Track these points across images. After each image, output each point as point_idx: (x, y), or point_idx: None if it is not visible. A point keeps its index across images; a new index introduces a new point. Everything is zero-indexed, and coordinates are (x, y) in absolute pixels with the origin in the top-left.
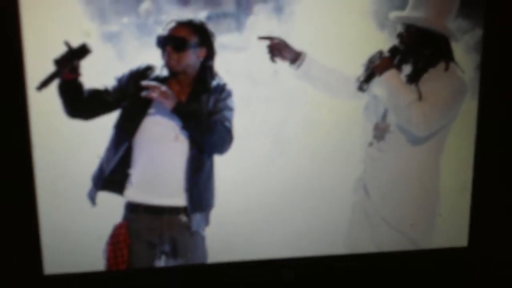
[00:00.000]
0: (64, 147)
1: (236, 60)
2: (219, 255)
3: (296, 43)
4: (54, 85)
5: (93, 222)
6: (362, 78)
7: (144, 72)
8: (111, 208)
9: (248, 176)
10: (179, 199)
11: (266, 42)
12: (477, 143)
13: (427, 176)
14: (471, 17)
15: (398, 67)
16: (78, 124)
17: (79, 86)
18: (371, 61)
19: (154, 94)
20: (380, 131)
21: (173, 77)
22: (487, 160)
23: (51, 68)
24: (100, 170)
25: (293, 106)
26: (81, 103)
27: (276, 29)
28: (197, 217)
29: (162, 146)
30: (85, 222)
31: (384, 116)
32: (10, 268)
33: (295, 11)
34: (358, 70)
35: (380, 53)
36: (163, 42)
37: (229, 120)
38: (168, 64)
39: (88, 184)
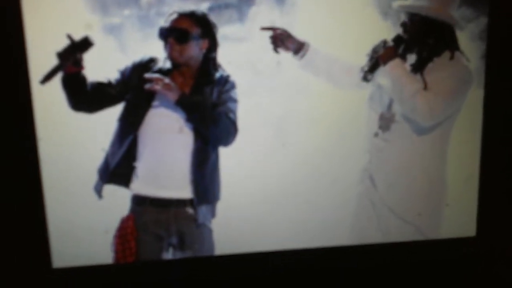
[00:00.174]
0: (69, 141)
1: (239, 51)
2: (226, 247)
3: (299, 34)
4: (58, 79)
5: (100, 215)
6: (366, 68)
7: (147, 65)
8: (118, 201)
9: (253, 168)
10: (185, 192)
11: (269, 33)
12: (484, 132)
13: (434, 166)
14: (476, 5)
15: (403, 57)
16: (83, 118)
17: (82, 79)
18: (375, 50)
19: (158, 87)
20: (385, 121)
21: (176, 69)
22: (494, 149)
23: (54, 62)
24: (106, 163)
25: (297, 97)
26: (84, 96)
27: (279, 19)
28: (203, 210)
29: (167, 138)
30: (92, 216)
31: (389, 106)
32: (19, 262)
33: (298, 1)
34: (362, 60)
35: (384, 42)
36: (165, 34)
37: (233, 111)
38: (170, 56)
39: (94, 177)
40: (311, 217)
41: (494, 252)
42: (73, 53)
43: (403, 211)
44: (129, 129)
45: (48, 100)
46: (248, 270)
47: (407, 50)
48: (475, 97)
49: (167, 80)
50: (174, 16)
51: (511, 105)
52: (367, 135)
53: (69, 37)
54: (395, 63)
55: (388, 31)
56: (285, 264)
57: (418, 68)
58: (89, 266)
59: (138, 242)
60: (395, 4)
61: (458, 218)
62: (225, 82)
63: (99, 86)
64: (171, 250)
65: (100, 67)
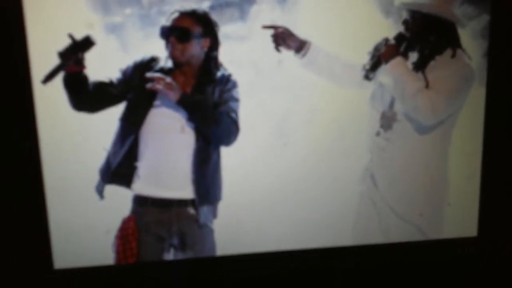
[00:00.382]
0: (71, 141)
1: (240, 50)
2: (227, 247)
3: (300, 32)
4: (59, 78)
5: (101, 216)
6: (368, 67)
7: (149, 64)
8: (119, 201)
9: (254, 167)
10: (186, 192)
11: (270, 31)
12: (486, 131)
13: (435, 165)
14: (477, 3)
15: (405, 55)
16: (84, 117)
17: (84, 78)
18: (376, 49)
19: (159, 86)
20: (387, 120)
21: (177, 68)
22: (496, 148)
23: (55, 61)
24: (107, 163)
25: (298, 96)
26: (86, 96)
27: (280, 18)
28: (204, 210)
29: (169, 138)
30: (93, 216)
31: (391, 105)
32: (20, 262)
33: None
34: (363, 58)
35: (386, 40)
36: (167, 33)
37: (235, 111)
38: (172, 55)
39: (95, 177)
40: (313, 217)
41: (496, 252)
42: (75, 53)
43: (404, 210)
44: (130, 128)
45: (50, 100)
46: (249, 270)
47: (409, 48)
48: (477, 95)
49: (168, 79)
50: (176, 15)
51: None
52: (368, 134)
53: (71, 36)
54: (396, 61)
55: (390, 29)
56: (286, 264)
57: (420, 66)
58: (91, 267)
59: (140, 243)
60: (397, 2)
61: (460, 218)
62: (227, 81)
63: (101, 86)
64: (172, 250)
65: (102, 66)
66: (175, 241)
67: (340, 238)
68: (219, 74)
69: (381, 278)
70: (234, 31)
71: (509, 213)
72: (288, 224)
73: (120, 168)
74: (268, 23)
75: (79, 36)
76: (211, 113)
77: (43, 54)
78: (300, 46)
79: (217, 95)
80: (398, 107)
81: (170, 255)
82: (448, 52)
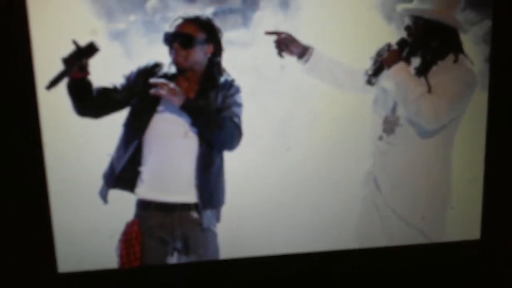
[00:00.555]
0: (75, 146)
1: (243, 56)
2: (231, 251)
3: (303, 38)
4: (63, 84)
5: (105, 220)
6: (370, 72)
7: (152, 70)
8: (123, 206)
9: (257, 171)
10: (190, 196)
11: (273, 37)
12: (488, 135)
13: (438, 169)
14: (479, 8)
15: (407, 60)
16: (88, 123)
17: (88, 84)
18: (379, 54)
19: (163, 92)
20: (389, 124)
21: (181, 74)
22: (498, 152)
23: (59, 67)
24: (111, 168)
25: (301, 101)
26: (90, 101)
27: (283, 24)
28: (208, 214)
29: (172, 143)
30: (97, 220)
31: (393, 109)
32: (24, 266)
33: (302, 6)
34: (366, 63)
35: (388, 46)
36: (170, 39)
37: (238, 116)
38: (175, 61)
39: (99, 182)
40: (315, 221)
41: (499, 255)
42: (79, 59)
43: (407, 214)
44: (134, 134)
45: (54, 106)
46: (252, 274)
47: (411, 54)
48: (479, 100)
49: (172, 85)
50: (179, 21)
51: None
52: (371, 138)
53: (75, 43)
54: (399, 66)
55: (392, 34)
56: (289, 267)
57: (422, 71)
58: (94, 271)
59: (143, 247)
60: (399, 8)
61: (463, 221)
62: (230, 87)
63: (105, 92)
64: (176, 254)
65: (106, 72)
66: (179, 245)
67: (343, 241)
68: (222, 79)
69: (384, 282)
70: (237, 37)
71: None
72: (291, 228)
73: (123, 172)
74: (271, 29)
75: (83, 42)
76: (214, 118)
77: (47, 60)
78: (302, 52)
79: (220, 100)
80: (401, 112)
81: (173, 259)
82: (450, 57)
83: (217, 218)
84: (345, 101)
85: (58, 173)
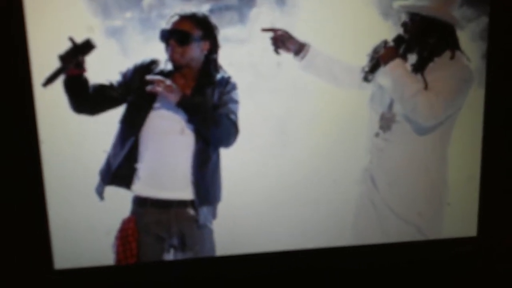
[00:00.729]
0: (71, 143)
1: (240, 53)
2: (227, 248)
3: (299, 35)
4: (60, 81)
5: (101, 217)
6: (367, 69)
7: (149, 67)
8: (119, 202)
9: (254, 168)
10: (186, 193)
11: (270, 34)
12: (485, 131)
13: (435, 166)
14: (476, 5)
15: (403, 57)
16: (85, 120)
17: (84, 81)
18: (375, 51)
19: (159, 88)
20: (386, 121)
21: (177, 71)
22: (495, 149)
23: (56, 64)
24: (107, 165)
25: (297, 98)
26: (86, 98)
27: (279, 20)
28: (204, 211)
29: (168, 139)
30: (93, 217)
31: (390, 106)
32: (21, 263)
33: (298, 2)
34: (362, 60)
35: (385, 42)
36: (167, 36)
37: (234, 113)
38: (172, 58)
39: (95, 179)
40: (312, 218)
41: (495, 252)
42: (75, 56)
43: (404, 211)
44: (130, 130)
45: (50, 103)
46: (249, 271)
47: (408, 50)
48: (476, 96)
49: (168, 82)
50: (175, 18)
51: None
52: (368, 135)
53: (71, 40)
54: (395, 63)
55: (388, 31)
56: (285, 264)
57: (418, 68)
58: (91, 267)
59: (139, 243)
60: (396, 4)
61: (459, 218)
62: (226, 84)
63: (101, 88)
64: (172, 251)
65: (102, 69)
66: (175, 241)
67: (340, 238)
68: (218, 76)
69: (381, 278)
70: (233, 34)
71: (509, 213)
72: (288, 225)
73: (120, 169)
74: (267, 26)
75: (79, 39)
76: (211, 115)
77: (44, 57)
78: (299, 49)
79: (217, 97)
80: (397, 109)
81: (170, 256)
82: (447, 54)
83: (214, 215)
84: (341, 98)
85: (54, 169)
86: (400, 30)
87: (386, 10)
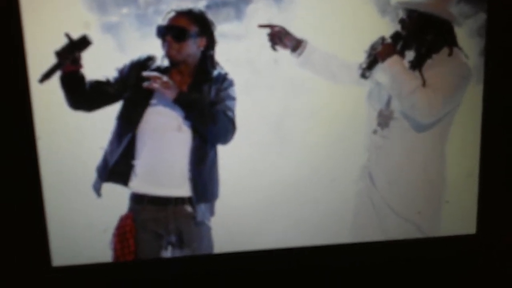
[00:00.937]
0: (68, 139)
1: (237, 49)
2: (224, 245)
3: (296, 31)
4: (56, 78)
5: (99, 214)
6: (364, 65)
7: (145, 63)
8: (117, 199)
9: (251, 165)
10: (183, 190)
11: (267, 30)
12: (483, 128)
13: (433, 163)
14: (474, 1)
15: (401, 53)
16: (81, 116)
17: (80, 78)
18: (373, 47)
19: (156, 85)
20: (384, 118)
21: (174, 67)
22: (494, 146)
23: (52, 61)
24: (104, 161)
25: (295, 95)
26: (83, 95)
27: (276, 16)
28: (202, 208)
29: (165, 136)
30: (91, 214)
31: (388, 103)
32: (18, 260)
33: None
34: (360, 56)
35: (382, 39)
36: (163, 32)
37: (232, 109)
38: (168, 54)
39: (93, 176)
40: (310, 215)
41: (495, 250)
42: (72, 52)
43: (403, 208)
44: (127, 127)
45: (47, 99)
46: (247, 268)
47: (406, 47)
48: (474, 93)
49: (165, 78)
50: (172, 14)
51: (510, 100)
52: (365, 132)
53: (68, 36)
54: (393, 60)
55: (386, 27)
56: (284, 262)
57: (416, 64)
58: (89, 265)
59: (137, 241)
60: (394, 1)
61: (458, 216)
62: (223, 80)
63: (98, 85)
64: (170, 248)
65: (99, 65)
66: (173, 238)
67: (338, 236)
68: (215, 73)
69: (379, 276)
70: (230, 30)
71: (508, 210)
72: (286, 222)
73: (117, 166)
74: (265, 22)
75: (75, 35)
76: (208, 111)
77: (40, 53)
78: (296, 45)
79: (214, 94)
80: (395, 105)
81: (167, 253)
82: (445, 50)
83: (211, 212)
84: (339, 94)
85: (51, 166)
86: (397, 27)
87: (384, 7)
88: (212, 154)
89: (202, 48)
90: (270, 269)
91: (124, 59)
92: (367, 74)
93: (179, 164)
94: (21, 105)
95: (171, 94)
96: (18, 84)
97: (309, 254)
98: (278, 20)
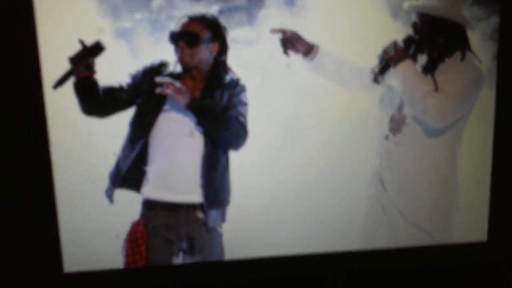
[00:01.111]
0: (81, 145)
1: (249, 54)
2: (236, 251)
3: (308, 36)
4: (70, 84)
5: (111, 220)
6: (376, 70)
7: (158, 69)
8: (129, 205)
9: (263, 171)
10: (195, 196)
11: (279, 35)
12: (495, 134)
13: (445, 169)
14: (487, 4)
15: (413, 58)
16: (95, 122)
17: (94, 83)
18: (385, 52)
19: (168, 91)
20: (396, 123)
21: (186, 72)
22: (506, 152)
23: (66, 66)
24: (117, 167)
25: (307, 99)
26: (96, 100)
27: (288, 21)
28: (213, 214)
29: (178, 142)
30: (103, 220)
31: (400, 108)
32: (31, 266)
33: (307, 3)
34: (372, 61)
35: (395, 43)
36: (176, 38)
37: (244, 115)
38: (181, 60)
39: (105, 182)
40: (321, 221)
41: (505, 257)
42: (85, 58)
43: (414, 214)
44: (140, 133)
45: (61, 105)
46: (257, 274)
47: (418, 51)
48: (486, 98)
49: (177, 83)
50: (185, 19)
51: None
52: (377, 137)
53: (81, 42)
54: (405, 64)
55: (398, 32)
56: (295, 268)
57: (429, 69)
58: (100, 271)
59: (148, 247)
60: (406, 5)
61: (469, 223)
62: (235, 85)
63: (111, 91)
64: (181, 254)
65: (112, 71)
66: (184, 245)
67: (349, 242)
68: (227, 78)
69: (390, 283)
70: (242, 35)
71: None
72: (297, 228)
73: (129, 172)
74: (276, 27)
75: (89, 41)
76: (220, 117)
77: (54, 59)
78: (308, 50)
79: (226, 99)
80: (407, 110)
81: (178, 259)
82: (457, 54)
83: (223, 218)
84: (351, 99)
85: (64, 172)
86: (410, 31)
87: (396, 11)
88: (224, 160)
89: (214, 54)
90: (281, 275)
91: (137, 65)
92: (379, 78)
93: (191, 170)
94: (35, 111)
95: (183, 99)
96: (32, 89)
97: (319, 260)
98: (290, 25)
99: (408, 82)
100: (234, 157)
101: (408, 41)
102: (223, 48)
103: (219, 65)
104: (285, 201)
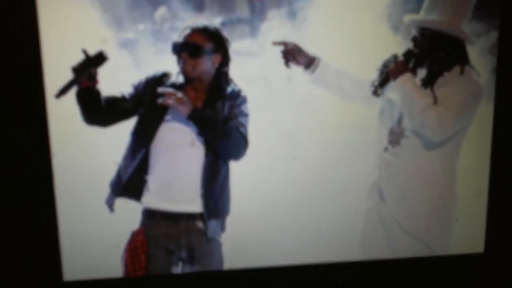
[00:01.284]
0: (83, 154)
1: (251, 66)
2: (235, 261)
3: (310, 48)
4: (72, 93)
5: (111, 229)
6: (376, 83)
7: (160, 79)
8: (129, 214)
9: (263, 181)
10: (195, 206)
11: (280, 48)
12: (493, 147)
13: (443, 181)
14: (486, 20)
15: (413, 71)
16: (96, 131)
17: (96, 93)
18: (385, 65)
19: (170, 101)
20: (395, 136)
21: (188, 83)
22: (504, 164)
23: (69, 76)
24: (118, 176)
25: (307, 111)
26: (98, 110)
27: (290, 34)
28: (213, 224)
29: (179, 152)
30: (103, 229)
31: (399, 121)
32: (31, 274)
33: (309, 16)
34: (372, 74)
35: (395, 57)
36: (179, 49)
37: (244, 126)
38: (183, 71)
39: (106, 191)
40: (320, 232)
41: (502, 269)
42: (88, 68)
43: (412, 225)
44: (141, 142)
45: (63, 114)
46: (257, 284)
47: (418, 65)
48: (485, 111)
49: (179, 94)
50: (187, 31)
51: None
52: (377, 149)
53: (84, 52)
54: (405, 77)
55: (398, 45)
56: (294, 279)
57: (428, 82)
58: (100, 280)
59: (148, 256)
60: (406, 19)
61: (467, 234)
62: (237, 97)
63: (113, 100)
64: (180, 264)
65: (114, 81)
66: (184, 254)
67: (347, 252)
68: (229, 89)
69: None
70: (244, 47)
71: None
72: (296, 238)
73: (130, 181)
74: (278, 39)
75: (92, 51)
76: (221, 127)
77: (57, 69)
78: (309, 62)
79: (227, 110)
80: (406, 123)
81: (178, 269)
82: (457, 68)
83: (222, 228)
84: (351, 112)
85: (65, 181)
86: (410, 45)
87: (396, 25)
88: (224, 171)
89: (216, 65)
90: (280, 285)
91: (140, 75)
92: (379, 91)
93: (192, 180)
94: (37, 120)
95: (185, 110)
96: (35, 99)
97: (318, 271)
98: (292, 37)
99: (408, 95)
100: (235, 167)
101: (408, 54)
102: (225, 60)
103: (221, 76)
104: (284, 212)
